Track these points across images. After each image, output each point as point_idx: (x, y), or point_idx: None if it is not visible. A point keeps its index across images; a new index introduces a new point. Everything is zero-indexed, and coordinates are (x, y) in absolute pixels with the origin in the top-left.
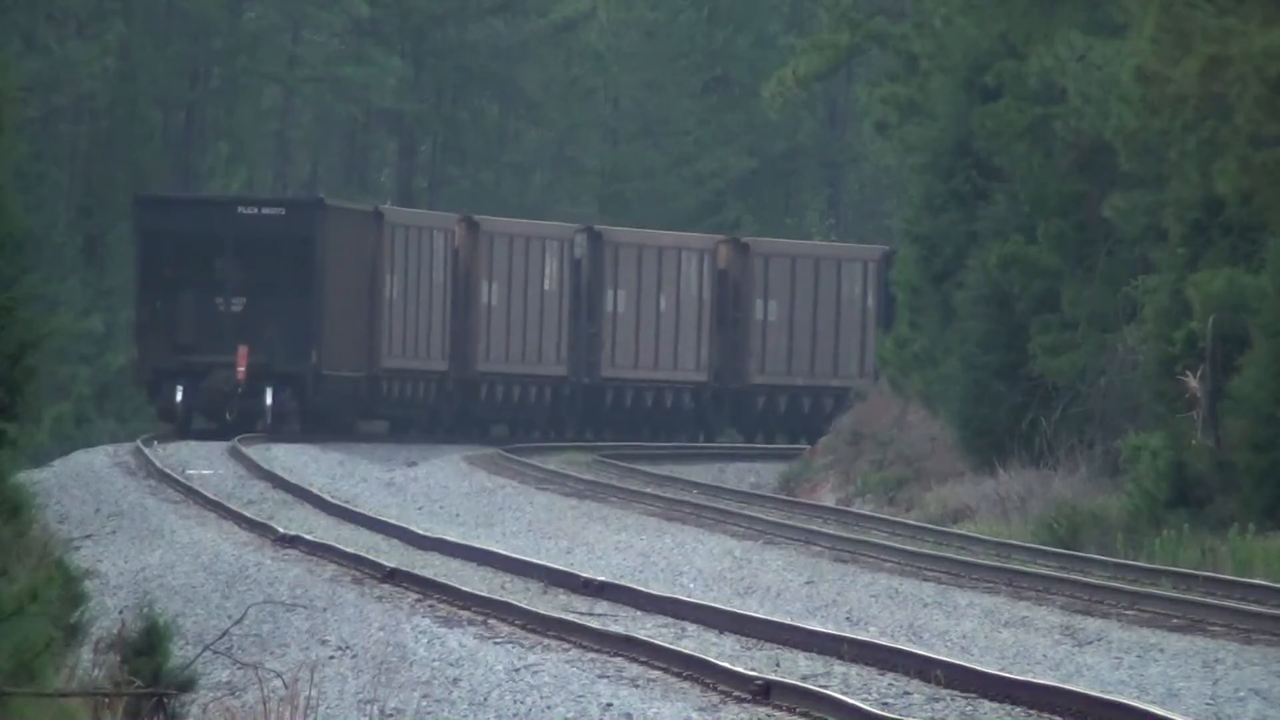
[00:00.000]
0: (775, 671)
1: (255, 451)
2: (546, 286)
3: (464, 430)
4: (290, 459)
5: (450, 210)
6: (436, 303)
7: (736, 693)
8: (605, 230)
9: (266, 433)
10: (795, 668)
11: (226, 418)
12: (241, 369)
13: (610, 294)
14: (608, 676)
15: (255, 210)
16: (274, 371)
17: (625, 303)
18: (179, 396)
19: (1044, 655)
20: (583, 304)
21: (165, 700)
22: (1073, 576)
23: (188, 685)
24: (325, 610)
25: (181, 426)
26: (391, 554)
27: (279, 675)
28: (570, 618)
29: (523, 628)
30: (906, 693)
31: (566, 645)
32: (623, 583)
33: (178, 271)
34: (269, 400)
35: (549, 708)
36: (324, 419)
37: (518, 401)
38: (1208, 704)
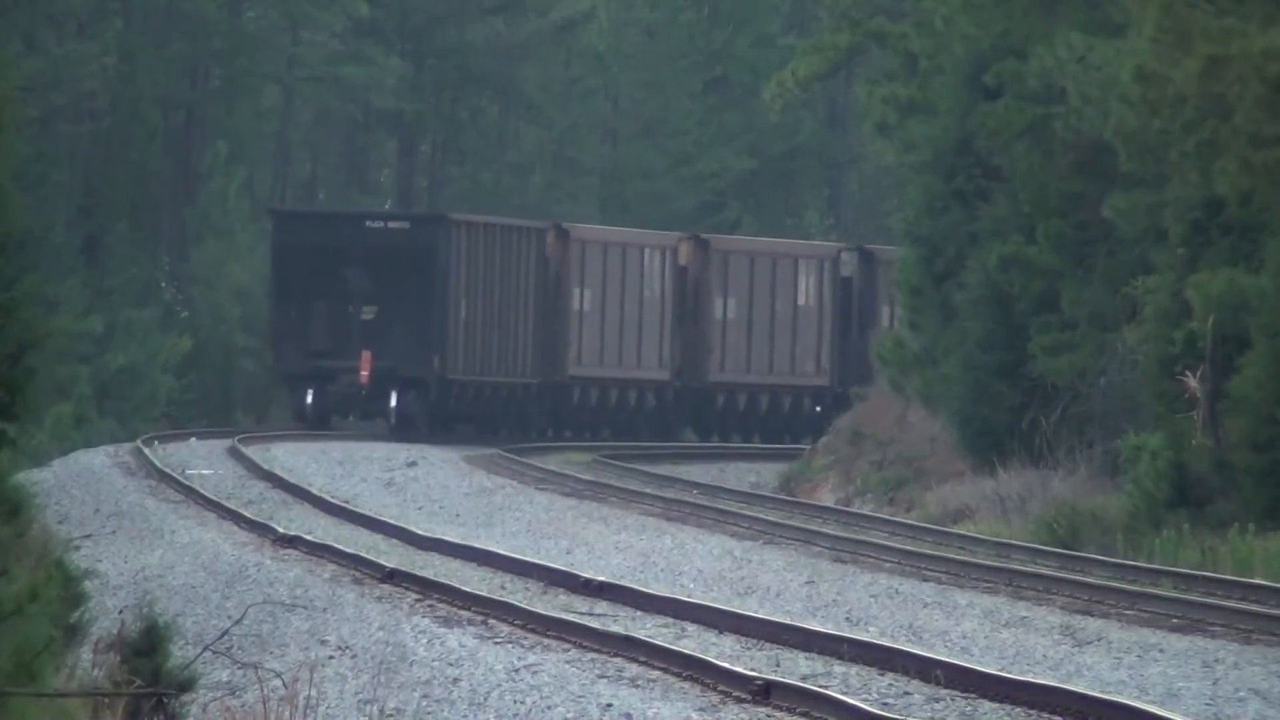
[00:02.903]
0: (775, 671)
1: (255, 451)
2: (801, 302)
3: (701, 435)
4: (290, 459)
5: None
6: (651, 316)
7: (736, 693)
8: (877, 249)
9: (391, 433)
10: (795, 668)
11: (350, 418)
12: (365, 373)
13: (885, 310)
14: (608, 676)
15: (382, 224)
16: (398, 375)
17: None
18: (309, 399)
19: (1044, 655)
20: (854, 318)
21: (165, 700)
22: (1073, 576)
23: (188, 685)
24: (325, 610)
25: (313, 426)
26: (391, 554)
27: (279, 675)
28: (570, 618)
29: (523, 628)
30: (906, 693)
31: (566, 645)
32: (623, 583)
33: (310, 281)
34: (393, 403)
35: (549, 708)
36: (497, 425)
37: (766, 409)
38: (1208, 704)
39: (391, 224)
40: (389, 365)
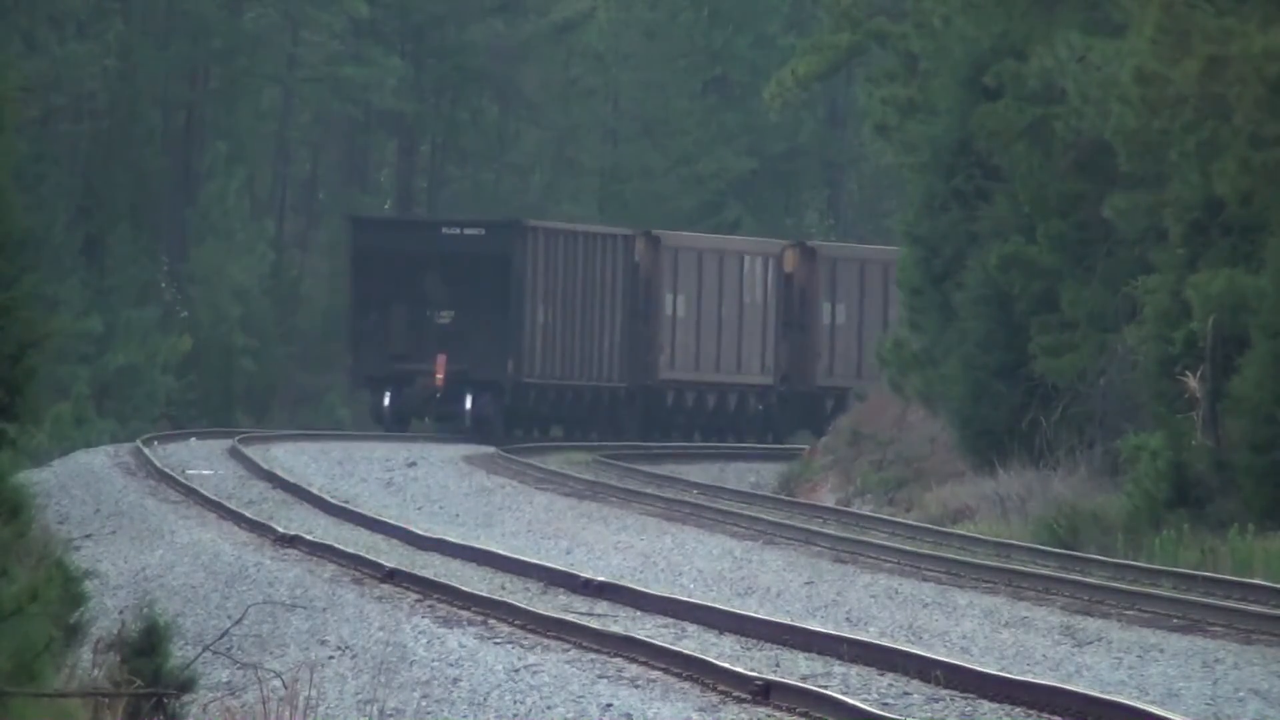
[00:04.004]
0: (775, 671)
1: (255, 451)
2: None
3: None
4: (290, 459)
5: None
6: (753, 321)
7: (736, 693)
8: None
9: (468, 433)
10: (795, 668)
11: (426, 420)
12: (439, 376)
13: None
14: (608, 677)
15: (458, 231)
16: (472, 378)
17: None
18: (386, 401)
19: (1044, 655)
20: None
21: (165, 700)
22: (1073, 576)
23: (187, 685)
24: (325, 610)
25: (391, 427)
26: (391, 554)
27: (279, 675)
28: (570, 618)
29: (523, 628)
30: (906, 693)
31: (566, 645)
32: (623, 583)
33: (388, 287)
34: (468, 405)
35: (549, 708)
36: (585, 427)
37: None
38: (1208, 704)
39: (468, 230)
40: (463, 368)
